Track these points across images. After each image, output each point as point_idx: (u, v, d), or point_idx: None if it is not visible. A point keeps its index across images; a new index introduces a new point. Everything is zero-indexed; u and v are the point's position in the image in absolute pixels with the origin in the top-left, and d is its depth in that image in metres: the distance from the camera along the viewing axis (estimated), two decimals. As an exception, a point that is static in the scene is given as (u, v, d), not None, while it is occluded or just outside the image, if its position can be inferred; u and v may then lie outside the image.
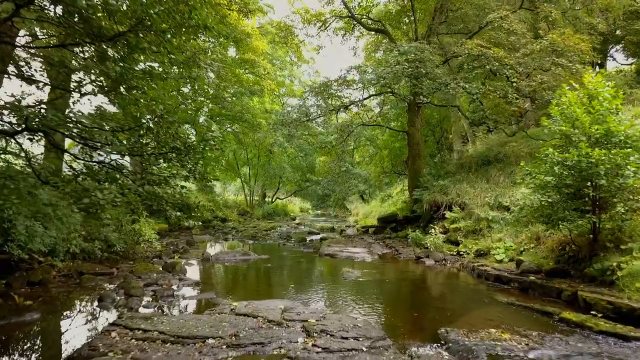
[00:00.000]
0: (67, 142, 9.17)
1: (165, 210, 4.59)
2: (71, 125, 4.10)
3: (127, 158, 6.45)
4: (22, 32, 7.01)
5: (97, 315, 5.19)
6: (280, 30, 18.36)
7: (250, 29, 16.49)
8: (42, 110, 4.33)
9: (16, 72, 4.45)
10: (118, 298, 5.78)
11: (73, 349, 3.91)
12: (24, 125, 3.76)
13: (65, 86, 5.57)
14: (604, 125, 5.72)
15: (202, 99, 15.69)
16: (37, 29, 6.61)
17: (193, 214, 5.54)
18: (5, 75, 5.17)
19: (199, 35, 4.93)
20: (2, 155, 5.23)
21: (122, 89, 4.42)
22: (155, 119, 4.29)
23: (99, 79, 4.53)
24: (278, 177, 28.33)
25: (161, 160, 4.95)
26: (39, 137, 4.76)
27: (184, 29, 4.45)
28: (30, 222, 5.07)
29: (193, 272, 8.31)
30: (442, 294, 6.82)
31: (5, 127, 3.97)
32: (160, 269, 7.95)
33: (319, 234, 16.58)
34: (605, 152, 5.39)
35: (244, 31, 15.63)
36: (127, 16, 3.92)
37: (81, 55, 4.51)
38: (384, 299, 6.50)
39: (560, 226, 6.31)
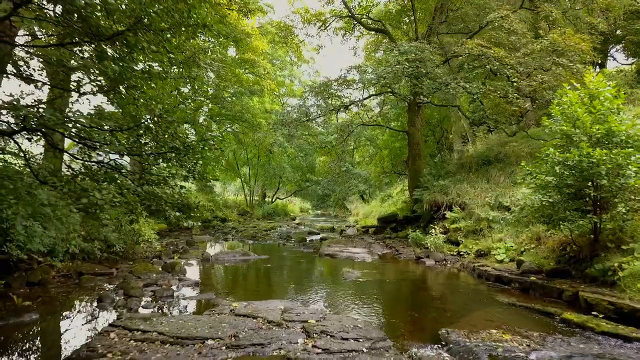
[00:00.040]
0: (67, 142, 9.16)
1: (164, 211, 4.57)
2: (70, 125, 4.08)
3: (126, 158, 6.44)
4: (21, 32, 7.00)
5: (96, 315, 5.16)
6: (280, 30, 18.35)
7: (250, 29, 16.47)
8: (41, 110, 4.31)
9: (15, 71, 4.43)
10: (117, 298, 5.75)
11: (71, 350, 3.88)
12: (22, 125, 3.73)
13: (64, 86, 5.55)
14: (605, 125, 5.70)
15: (202, 98, 15.66)
16: (36, 28, 6.59)
17: (192, 214, 5.52)
18: (4, 75, 5.15)
19: (198, 34, 4.92)
20: (1, 155, 5.21)
21: (121, 89, 4.40)
22: (154, 119, 4.26)
23: (98, 79, 4.51)
24: (278, 177, 28.32)
25: (160, 160, 4.92)
26: (38, 137, 4.75)
27: (183, 28, 4.42)
28: (29, 222, 5.05)
29: (193, 272, 8.29)
30: (442, 295, 6.80)
31: (4, 127, 3.95)
32: (160, 269, 7.93)
33: (319, 234, 16.56)
34: (607, 152, 5.36)
35: (243, 31, 15.61)
36: (126, 15, 3.90)
37: (80, 54, 4.48)
38: (384, 299, 6.48)
39: (561, 226, 6.29)
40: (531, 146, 11.74)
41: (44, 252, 6.27)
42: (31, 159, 5.46)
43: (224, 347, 3.72)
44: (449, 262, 9.18)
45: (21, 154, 4.64)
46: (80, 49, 4.51)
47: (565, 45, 10.41)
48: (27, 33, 7.22)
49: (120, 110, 4.57)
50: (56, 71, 5.34)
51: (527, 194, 7.05)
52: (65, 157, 6.78)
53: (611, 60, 19.25)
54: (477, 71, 11.60)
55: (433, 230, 10.91)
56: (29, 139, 4.37)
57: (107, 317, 5.08)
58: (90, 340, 3.98)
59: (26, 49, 4.71)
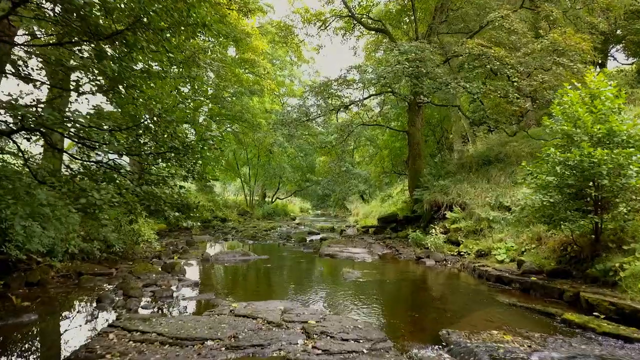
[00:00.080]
0: (67, 142, 9.14)
1: (163, 211, 4.55)
2: (69, 125, 4.06)
3: (125, 158, 6.41)
4: (21, 32, 6.98)
5: (95, 316, 5.15)
6: (280, 29, 18.33)
7: (250, 29, 16.45)
8: (40, 110, 4.29)
9: (13, 71, 4.41)
10: (117, 299, 5.73)
11: (70, 351, 3.86)
12: (20, 125, 3.72)
13: (63, 85, 5.53)
14: (606, 125, 5.68)
15: (202, 98, 15.65)
16: (35, 28, 6.57)
17: (192, 214, 5.50)
18: (3, 75, 5.13)
19: (198, 33, 4.89)
20: (0, 155, 5.19)
21: (121, 89, 4.38)
22: (154, 118, 4.24)
23: (97, 79, 4.49)
24: (278, 177, 28.29)
25: (159, 160, 4.90)
26: (37, 137, 4.73)
27: (182, 28, 4.40)
28: (28, 223, 5.03)
29: (192, 272, 8.27)
30: (442, 295, 6.78)
31: (2, 127, 3.93)
32: (160, 269, 7.91)
33: (319, 234, 16.54)
34: (608, 152, 5.34)
35: (243, 31, 15.59)
36: (125, 14, 3.88)
37: (79, 54, 4.46)
38: (385, 299, 6.46)
39: (562, 226, 6.27)
40: (532, 146, 11.72)
41: (43, 252, 6.25)
42: (30, 159, 5.45)
43: (223, 348, 3.70)
44: (449, 262, 9.15)
45: (20, 154, 4.62)
46: (79, 48, 4.49)
47: (566, 45, 10.39)
48: (27, 33, 7.20)
49: (120, 110, 4.55)
50: (55, 71, 5.33)
51: (528, 194, 7.03)
52: (65, 157, 6.76)
53: (611, 60, 19.24)
54: (477, 71, 11.58)
55: (433, 230, 10.89)
56: (28, 139, 4.35)
57: (106, 317, 5.06)
58: (89, 341, 3.96)
59: (25, 49, 4.68)
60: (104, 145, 3.99)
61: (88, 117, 4.05)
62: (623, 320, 4.52)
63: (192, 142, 4.66)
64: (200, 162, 5.09)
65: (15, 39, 6.06)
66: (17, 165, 5.38)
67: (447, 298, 6.51)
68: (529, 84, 10.69)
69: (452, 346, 3.92)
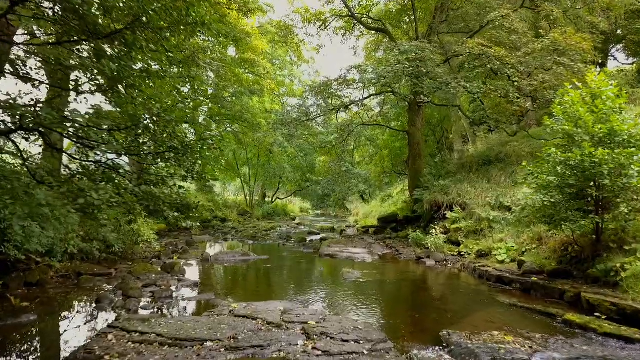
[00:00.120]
0: (67, 142, 9.11)
1: (162, 211, 4.53)
2: (68, 124, 4.04)
3: (124, 158, 6.39)
4: (20, 31, 6.95)
5: (95, 316, 5.12)
6: (280, 29, 18.30)
7: (250, 29, 16.42)
8: (38, 110, 4.27)
9: (12, 70, 4.39)
10: (116, 299, 5.71)
11: (69, 352, 3.84)
12: (18, 124, 3.69)
13: (62, 85, 5.50)
14: (607, 125, 5.66)
15: (202, 98, 15.62)
16: (35, 27, 6.55)
17: (191, 215, 5.47)
18: (2, 74, 5.10)
19: (197, 33, 4.87)
20: (-1, 155, 5.17)
21: (120, 88, 4.36)
22: (153, 118, 4.22)
23: (96, 78, 4.47)
24: (278, 177, 28.26)
25: (159, 160, 4.88)
26: (36, 136, 4.71)
27: (182, 27, 4.38)
28: (27, 223, 5.02)
29: (192, 272, 8.25)
30: (443, 295, 6.76)
31: (0, 126, 3.91)
32: (159, 269, 7.89)
33: (319, 234, 16.52)
34: (609, 152, 5.32)
35: (243, 30, 15.56)
36: (124, 13, 3.85)
37: (78, 54, 4.44)
38: (385, 300, 6.44)
39: (563, 226, 6.25)
40: (532, 146, 11.70)
41: (42, 253, 6.24)
42: (30, 159, 5.42)
43: (222, 349, 3.68)
44: (449, 263, 9.13)
45: (18, 154, 4.59)
46: (79, 47, 4.47)
47: (567, 44, 10.36)
48: (26, 32, 7.18)
49: (118, 110, 4.53)
50: (54, 70, 5.31)
51: (529, 194, 7.01)
52: (65, 157, 6.74)
53: (612, 60, 19.22)
54: (477, 71, 11.56)
55: (433, 230, 10.87)
56: (26, 139, 4.33)
57: (105, 318, 5.04)
58: (88, 341, 3.94)
59: (24, 48, 4.66)
60: (103, 145, 3.97)
61: (87, 116, 4.02)
62: (624, 321, 4.50)
63: (192, 141, 4.64)
64: (199, 162, 5.07)
65: (15, 38, 6.04)
66: (16, 165, 5.35)
67: (447, 298, 6.49)
68: (529, 84, 10.67)
69: (452, 347, 3.90)
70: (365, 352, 3.67)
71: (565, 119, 6.12)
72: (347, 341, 3.89)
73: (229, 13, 13.44)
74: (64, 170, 4.98)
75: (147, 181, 4.56)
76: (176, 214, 4.89)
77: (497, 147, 13.84)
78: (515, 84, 10.83)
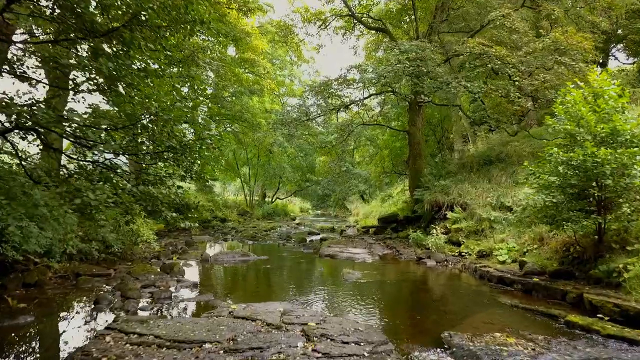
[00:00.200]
0: (66, 142, 9.06)
1: (160, 211, 4.48)
2: (66, 124, 4.00)
3: (122, 158, 6.34)
4: (20, 31, 6.91)
5: (93, 318, 5.08)
6: (280, 29, 18.25)
7: (249, 28, 16.38)
8: (36, 109, 4.22)
9: (8, 69, 4.35)
10: (114, 300, 5.67)
11: (66, 354, 3.80)
12: (14, 124, 3.65)
13: (59, 84, 5.46)
14: (609, 124, 5.62)
15: (202, 98, 15.57)
16: (34, 26, 6.51)
17: (190, 215, 5.43)
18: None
19: (197, 31, 4.83)
20: (-4, 155, 5.13)
21: (120, 87, 4.32)
22: (151, 117, 4.18)
23: (95, 77, 4.43)
24: (278, 177, 28.22)
25: (158, 160, 4.84)
26: (34, 136, 4.66)
27: (180, 25, 4.34)
28: (24, 223, 4.98)
29: (191, 273, 8.20)
30: (444, 296, 6.71)
31: (-3, 126, 3.87)
32: (158, 270, 7.84)
33: (319, 234, 16.47)
34: (611, 152, 5.28)
35: (243, 30, 15.52)
36: (122, 11, 3.81)
37: (75, 52, 4.40)
38: (385, 301, 6.40)
39: (565, 227, 6.20)
40: (533, 146, 11.65)
41: (41, 253, 6.17)
42: (28, 159, 5.38)
43: (221, 351, 3.63)
44: (450, 263, 9.09)
45: (15, 154, 4.55)
46: (75, 46, 4.42)
47: (568, 44, 10.32)
48: (25, 32, 7.14)
49: (116, 109, 4.48)
50: (52, 69, 5.26)
51: (530, 194, 6.96)
52: (64, 157, 6.70)
53: (612, 60, 19.16)
54: (478, 70, 11.51)
55: (434, 230, 10.82)
56: (23, 138, 4.29)
57: (103, 319, 5.00)
58: (85, 343, 3.89)
59: (21, 46, 4.62)
60: (100, 145, 3.92)
61: (85, 115, 3.98)
62: (627, 323, 4.45)
63: (190, 141, 4.60)
64: (198, 161, 5.02)
65: (15, 38, 6.00)
66: (13, 165, 5.31)
67: (448, 299, 6.44)
68: (530, 83, 10.62)
69: (454, 349, 3.86)
70: (366, 354, 3.62)
71: (567, 119, 6.08)
72: (347, 343, 3.84)
73: (228, 12, 13.41)
74: (61, 170, 4.93)
75: (145, 181, 4.52)
76: (175, 214, 4.85)
77: (498, 146, 13.80)
78: (516, 83, 10.79)
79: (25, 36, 6.82)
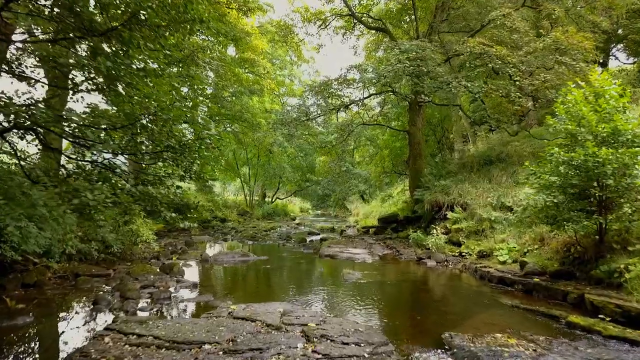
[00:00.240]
0: (66, 142, 9.03)
1: (159, 211, 4.46)
2: (65, 124, 3.98)
3: (122, 158, 6.32)
4: (19, 30, 6.89)
5: (92, 318, 5.06)
6: (280, 29, 18.22)
7: (249, 28, 16.36)
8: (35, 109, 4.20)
9: (7, 68, 4.32)
10: (114, 301, 5.65)
11: (64, 355, 3.78)
12: (12, 123, 3.63)
13: (58, 83, 5.44)
14: (611, 124, 5.59)
15: (201, 98, 15.56)
16: (34, 26, 6.49)
17: (189, 215, 5.40)
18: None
19: (196, 31, 4.80)
20: (-5, 155, 5.11)
21: (118, 86, 4.29)
22: (149, 117, 4.15)
23: (94, 77, 4.40)
24: (278, 177, 28.20)
25: (157, 160, 4.81)
26: (32, 136, 4.64)
27: (180, 24, 4.31)
28: (23, 223, 4.95)
29: (191, 273, 8.18)
30: (444, 296, 6.69)
31: (-5, 125, 3.84)
32: (158, 270, 7.82)
33: (319, 234, 16.45)
34: (613, 152, 5.26)
35: (243, 30, 15.49)
36: (121, 10, 3.79)
37: (74, 52, 4.37)
38: (386, 301, 6.37)
39: (566, 227, 6.17)
40: (533, 146, 11.63)
41: (40, 253, 6.15)
42: (27, 159, 5.36)
43: (221, 352, 3.61)
44: (450, 263, 9.07)
45: (14, 154, 4.53)
46: (73, 45, 4.40)
47: (568, 43, 10.29)
48: (24, 31, 7.12)
49: (115, 109, 4.46)
50: (51, 69, 5.24)
51: (531, 194, 6.93)
52: (63, 157, 6.67)
53: (613, 60, 19.13)
54: (478, 70, 11.49)
55: (434, 230, 10.80)
56: (21, 138, 4.26)
57: (102, 319, 4.98)
58: (84, 344, 3.87)
59: (19, 46, 4.60)
60: (99, 145, 3.90)
61: (83, 115, 3.96)
62: (629, 323, 4.43)
63: (189, 141, 4.57)
64: (198, 161, 5.00)
65: (14, 37, 5.97)
66: (12, 165, 5.28)
67: (449, 300, 6.42)
68: (530, 83, 10.60)
69: (455, 350, 3.83)
70: (366, 355, 3.60)
71: (568, 118, 6.06)
72: (347, 344, 3.82)
73: (228, 12, 13.38)
74: (61, 170, 4.90)
75: (144, 181, 4.49)
76: (174, 214, 4.82)
77: (498, 146, 13.77)
78: (517, 83, 10.76)
79: (25, 36, 6.81)
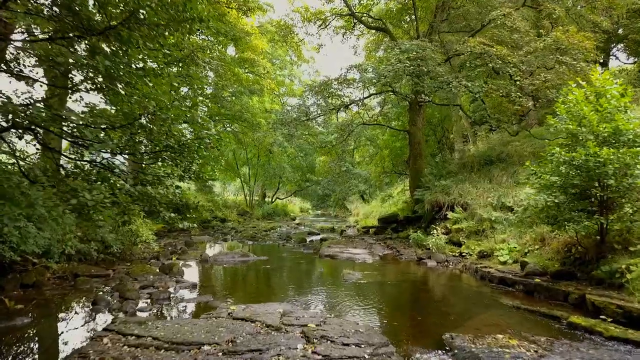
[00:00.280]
0: (66, 142, 9.01)
1: (158, 212, 4.43)
2: (64, 123, 3.95)
3: (121, 158, 6.29)
4: (18, 30, 6.87)
5: (91, 319, 5.04)
6: (280, 28, 18.18)
7: (249, 28, 16.33)
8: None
9: (5, 68, 4.30)
10: (113, 301, 5.62)
11: (62, 356, 3.76)
12: (10, 123, 3.61)
13: (56, 83, 5.41)
14: (612, 124, 5.57)
15: (201, 98, 15.53)
16: (33, 26, 6.47)
17: (189, 215, 5.38)
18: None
19: (196, 30, 4.77)
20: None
21: (118, 86, 4.27)
22: (148, 116, 4.13)
23: (93, 76, 4.38)
24: (278, 177, 28.18)
25: (157, 160, 4.79)
26: (31, 135, 4.62)
27: (179, 24, 4.28)
28: (22, 223, 4.93)
29: (191, 273, 8.16)
30: (445, 297, 6.67)
31: (-7, 125, 3.82)
32: (157, 270, 7.80)
33: (319, 234, 16.43)
34: (614, 151, 5.24)
35: (243, 29, 15.46)
36: (120, 9, 3.76)
37: (72, 51, 4.35)
38: (386, 302, 6.35)
39: (566, 227, 6.15)
40: (534, 146, 11.61)
41: (39, 254, 6.13)
42: (26, 159, 5.33)
43: (220, 353, 3.59)
44: (451, 264, 9.04)
45: (12, 153, 4.50)
46: (76, 45, 4.38)
47: (569, 43, 10.27)
48: (24, 30, 7.10)
49: (114, 108, 4.43)
50: (50, 68, 5.21)
51: (531, 194, 6.91)
52: (62, 157, 6.65)
53: (613, 59, 19.11)
54: (479, 70, 11.47)
55: (435, 230, 10.78)
56: (20, 137, 4.24)
57: (101, 320, 4.95)
58: (82, 345, 3.85)
59: (17, 45, 4.57)
60: (98, 144, 3.87)
61: (82, 115, 3.93)
62: (630, 324, 4.41)
63: (188, 140, 4.55)
64: (197, 161, 4.97)
65: (13, 37, 5.95)
66: (9, 165, 5.26)
67: (449, 300, 6.40)
68: (531, 83, 10.57)
69: (456, 351, 3.81)
70: (367, 357, 3.57)
71: (569, 118, 6.04)
72: (347, 345, 3.79)
73: (228, 12, 13.36)
74: (57, 170, 4.88)
75: (143, 181, 4.47)
76: (173, 214, 4.80)
77: (499, 146, 13.75)
78: (517, 83, 10.74)
79: (24, 35, 6.78)
